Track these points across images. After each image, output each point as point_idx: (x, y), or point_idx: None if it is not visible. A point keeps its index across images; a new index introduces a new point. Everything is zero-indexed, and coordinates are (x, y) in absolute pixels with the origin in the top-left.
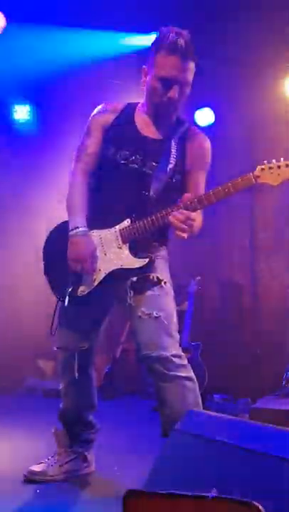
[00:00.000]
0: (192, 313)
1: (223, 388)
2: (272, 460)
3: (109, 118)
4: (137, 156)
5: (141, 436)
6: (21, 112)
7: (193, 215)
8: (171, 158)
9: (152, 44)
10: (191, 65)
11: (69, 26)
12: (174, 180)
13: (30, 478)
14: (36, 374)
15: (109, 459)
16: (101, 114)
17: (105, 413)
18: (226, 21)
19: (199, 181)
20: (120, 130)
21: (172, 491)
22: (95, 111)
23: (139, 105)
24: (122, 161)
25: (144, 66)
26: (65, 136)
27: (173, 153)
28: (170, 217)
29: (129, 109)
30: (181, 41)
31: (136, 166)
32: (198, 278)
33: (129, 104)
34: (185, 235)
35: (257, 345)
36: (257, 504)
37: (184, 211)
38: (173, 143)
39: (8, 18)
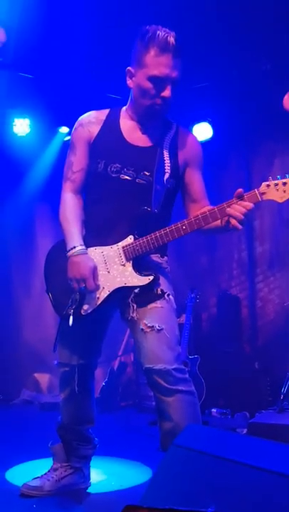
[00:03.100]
0: (190, 326)
1: (221, 402)
2: (271, 475)
3: (94, 130)
4: (129, 167)
5: (138, 451)
6: (21, 126)
7: (251, 205)
8: (166, 167)
9: (138, 43)
10: (180, 64)
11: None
12: (169, 187)
13: (26, 493)
14: (32, 387)
15: (106, 473)
16: (84, 128)
17: (102, 426)
18: (225, 35)
19: (199, 179)
20: (107, 142)
21: (170, 506)
22: (78, 123)
23: (123, 110)
24: (114, 175)
25: (128, 67)
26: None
27: (166, 161)
28: (229, 209)
29: (113, 117)
30: (172, 39)
31: (129, 178)
32: (196, 291)
33: (112, 110)
34: (241, 227)
35: (255, 359)
36: None
37: (244, 203)
38: (164, 150)
39: None
